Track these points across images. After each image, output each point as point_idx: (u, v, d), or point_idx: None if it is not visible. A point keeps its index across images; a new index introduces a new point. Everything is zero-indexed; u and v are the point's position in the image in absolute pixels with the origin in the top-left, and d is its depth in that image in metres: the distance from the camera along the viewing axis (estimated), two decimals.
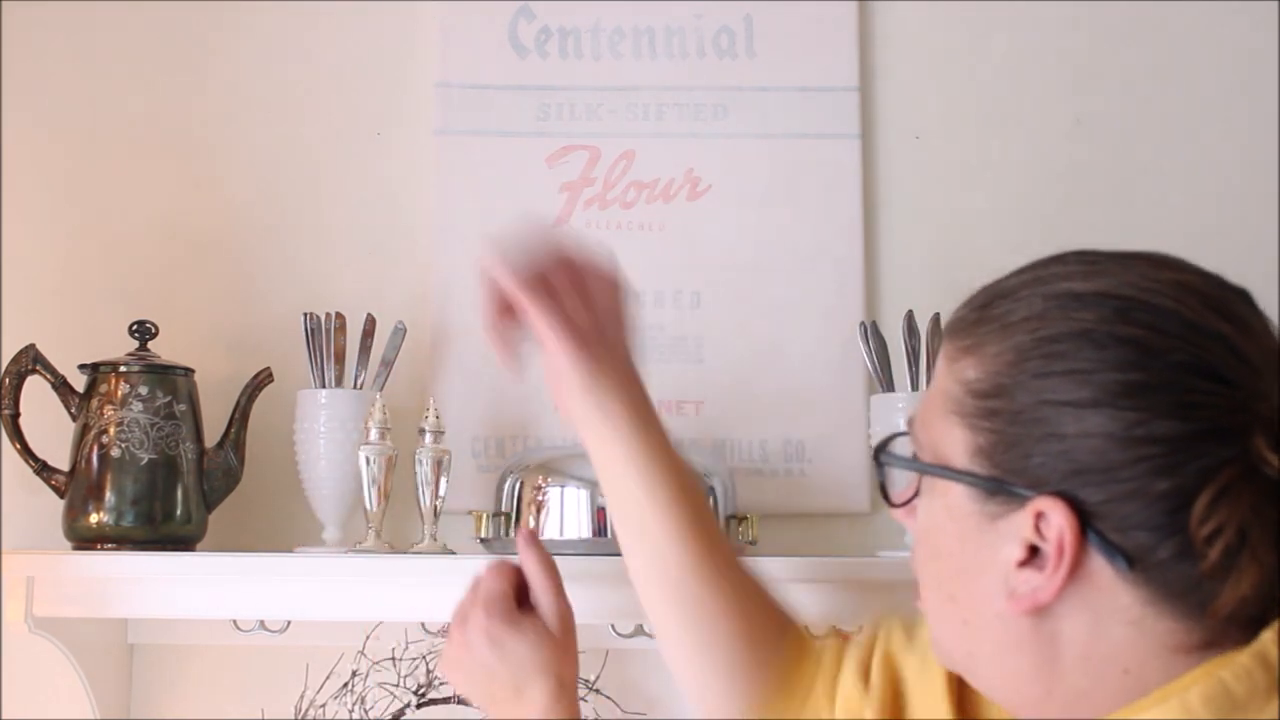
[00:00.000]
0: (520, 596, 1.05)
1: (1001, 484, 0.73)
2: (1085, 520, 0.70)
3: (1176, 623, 0.71)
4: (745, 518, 1.31)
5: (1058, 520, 0.71)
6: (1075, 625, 0.73)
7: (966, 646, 0.78)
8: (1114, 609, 0.72)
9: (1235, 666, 0.70)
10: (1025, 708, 0.76)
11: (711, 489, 1.29)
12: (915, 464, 0.79)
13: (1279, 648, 0.71)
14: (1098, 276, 0.74)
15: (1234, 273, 0.79)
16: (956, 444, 0.76)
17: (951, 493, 0.76)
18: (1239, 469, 0.69)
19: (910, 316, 1.35)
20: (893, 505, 0.83)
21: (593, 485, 1.27)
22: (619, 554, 1.24)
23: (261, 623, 1.40)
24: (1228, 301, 0.74)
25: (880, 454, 0.82)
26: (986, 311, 0.77)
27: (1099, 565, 0.71)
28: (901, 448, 0.82)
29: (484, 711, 1.05)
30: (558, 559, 1.24)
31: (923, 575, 0.81)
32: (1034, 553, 0.72)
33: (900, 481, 0.82)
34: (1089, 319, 0.72)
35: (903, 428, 0.84)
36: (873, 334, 1.38)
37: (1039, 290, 0.75)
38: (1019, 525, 0.72)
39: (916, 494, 0.81)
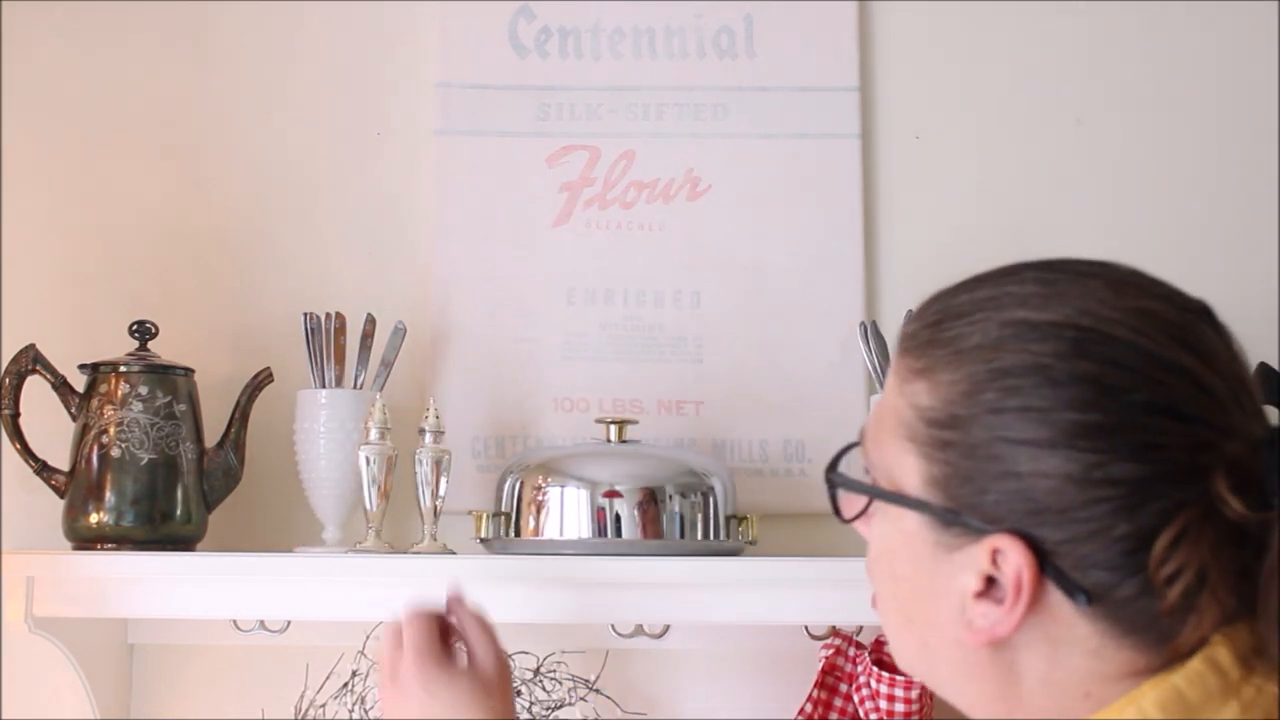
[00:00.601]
0: (442, 642, 1.06)
1: (958, 516, 0.71)
2: (1043, 558, 0.69)
3: (1137, 652, 0.70)
4: (745, 518, 1.31)
5: (1015, 558, 0.69)
6: (1034, 655, 0.72)
7: (927, 665, 0.77)
8: (1073, 640, 0.71)
9: (1187, 672, 0.69)
10: None
11: (711, 489, 1.29)
12: (869, 489, 0.78)
13: (1229, 652, 0.70)
14: (1054, 302, 0.71)
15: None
16: (910, 471, 0.74)
17: (906, 519, 0.75)
18: (1199, 510, 0.68)
19: (910, 316, 1.35)
20: (844, 520, 0.81)
21: (593, 485, 1.27)
22: (619, 554, 1.25)
23: (261, 623, 1.40)
24: (1190, 328, 0.71)
25: (831, 473, 0.80)
26: (939, 331, 0.75)
27: (1057, 599, 0.70)
28: (853, 460, 0.80)
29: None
30: (558, 559, 1.24)
31: (880, 591, 0.80)
32: (990, 583, 0.71)
33: (852, 497, 0.80)
34: (1045, 353, 0.70)
35: (855, 439, 0.81)
36: (873, 334, 1.38)
37: (994, 315, 0.72)
38: (975, 558, 0.71)
39: (870, 504, 0.79)
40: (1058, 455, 0.68)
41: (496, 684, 1.04)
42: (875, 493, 0.77)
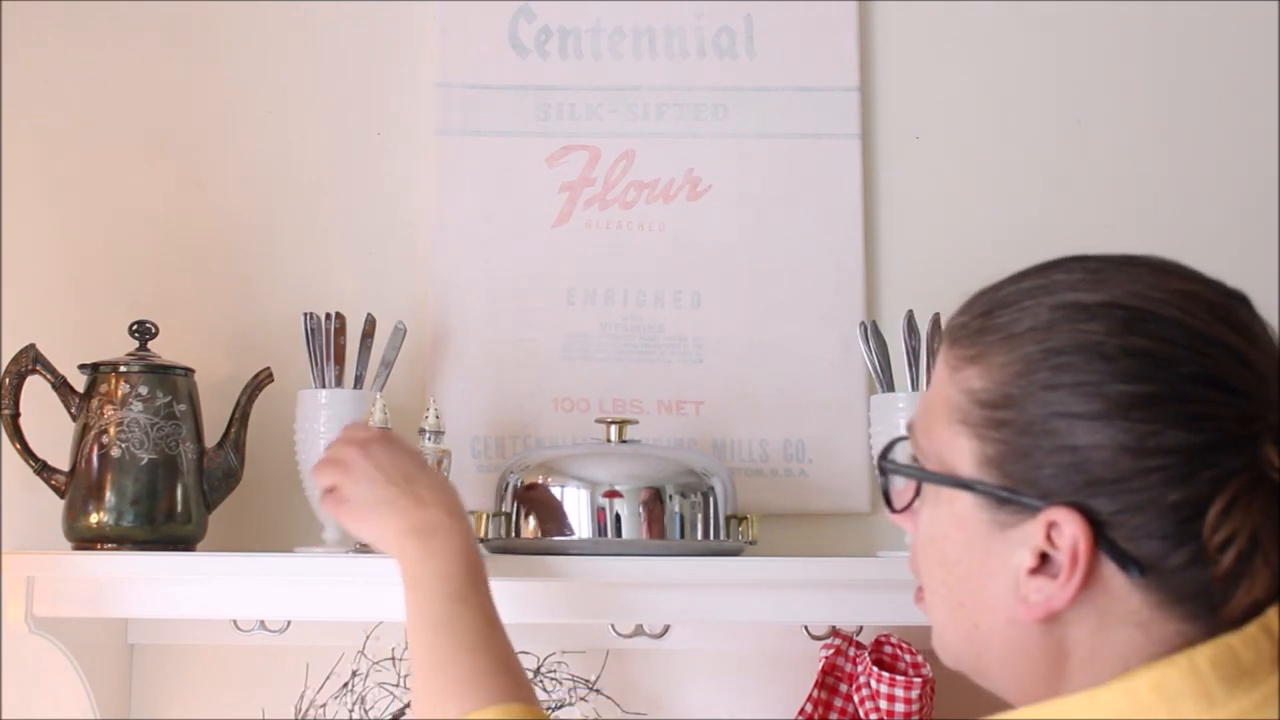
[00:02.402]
0: None
1: (1013, 494, 0.73)
2: (1098, 530, 0.71)
3: (1184, 624, 0.72)
4: (745, 518, 1.31)
5: (1071, 530, 0.71)
6: (1082, 630, 0.73)
7: (975, 649, 0.79)
8: (1123, 612, 0.72)
9: (1243, 634, 0.71)
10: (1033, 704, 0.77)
11: (711, 489, 1.29)
12: (923, 472, 0.79)
13: None
14: (1103, 286, 0.74)
15: (1234, 273, 0.79)
16: (963, 453, 0.76)
17: (959, 501, 0.77)
18: (1249, 477, 0.70)
19: (910, 316, 1.35)
20: (894, 511, 0.83)
21: (593, 485, 1.27)
22: (619, 554, 1.25)
23: (261, 623, 1.40)
24: (1233, 310, 0.74)
25: (884, 460, 0.82)
26: (989, 320, 0.77)
27: (1110, 572, 0.72)
28: (902, 453, 0.82)
29: (367, 517, 1.10)
30: (557, 559, 1.24)
31: (927, 580, 0.81)
32: (1044, 559, 0.73)
33: (902, 486, 0.82)
34: (1097, 330, 0.72)
35: (902, 432, 0.84)
36: (873, 334, 1.38)
37: (1044, 300, 0.75)
38: (1030, 534, 0.73)
39: (917, 497, 0.81)
40: (1112, 426, 0.70)
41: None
42: (929, 476, 0.79)
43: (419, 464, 1.13)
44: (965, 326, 0.79)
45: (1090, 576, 0.72)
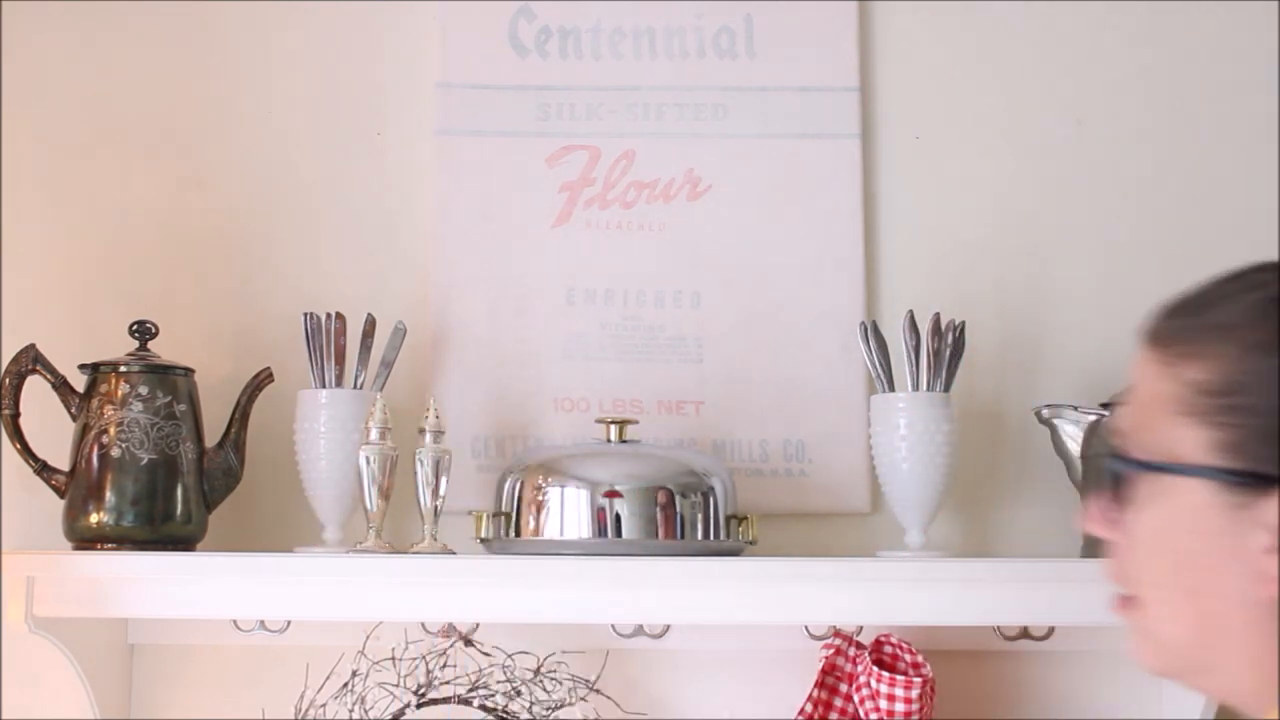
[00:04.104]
0: None
1: (1250, 474, 0.76)
2: None
3: None
4: (745, 518, 1.31)
5: None
6: None
7: (1206, 640, 0.80)
8: None
9: None
10: (1261, 695, 0.78)
11: (711, 489, 1.29)
12: (1159, 465, 0.81)
13: None
14: None
15: None
16: (1191, 442, 0.78)
17: (1191, 490, 0.79)
18: None
19: (910, 316, 1.35)
20: (1113, 513, 0.83)
21: (593, 485, 1.27)
22: (619, 554, 1.25)
23: (261, 623, 1.40)
24: None
25: (1116, 461, 0.84)
26: (1199, 318, 0.80)
27: None
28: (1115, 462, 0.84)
29: None
30: (557, 559, 1.24)
31: (1149, 577, 0.82)
32: None
33: (1120, 491, 0.83)
34: None
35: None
36: (873, 334, 1.38)
37: (1247, 295, 0.79)
38: (1265, 511, 0.75)
39: (1133, 490, 0.82)
40: None
41: None
42: (1165, 467, 0.80)
43: None
44: (1169, 328, 0.82)
45: None
